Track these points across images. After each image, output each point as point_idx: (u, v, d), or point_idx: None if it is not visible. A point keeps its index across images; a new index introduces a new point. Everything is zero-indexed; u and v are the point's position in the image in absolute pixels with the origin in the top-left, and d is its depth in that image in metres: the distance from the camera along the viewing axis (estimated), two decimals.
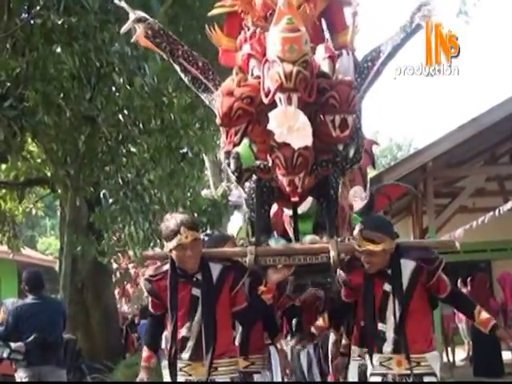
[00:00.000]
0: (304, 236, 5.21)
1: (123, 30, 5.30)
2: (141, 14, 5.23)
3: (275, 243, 4.95)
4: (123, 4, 5.30)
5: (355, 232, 4.68)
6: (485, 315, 4.72)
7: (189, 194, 13.32)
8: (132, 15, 5.18)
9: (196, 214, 13.29)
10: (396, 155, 44.30)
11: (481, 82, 70.66)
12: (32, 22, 7.95)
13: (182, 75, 5.23)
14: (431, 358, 4.65)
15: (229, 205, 13.86)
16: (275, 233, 5.45)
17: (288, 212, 5.68)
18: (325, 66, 4.82)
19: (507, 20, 65.95)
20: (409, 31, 5.03)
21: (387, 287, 4.59)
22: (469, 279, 13.31)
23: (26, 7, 7.80)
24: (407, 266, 4.60)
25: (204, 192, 18.76)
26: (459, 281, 14.85)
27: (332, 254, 4.63)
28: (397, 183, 9.08)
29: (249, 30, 5.15)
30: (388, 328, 4.59)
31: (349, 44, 5.19)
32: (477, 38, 51.76)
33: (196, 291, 4.48)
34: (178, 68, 5.21)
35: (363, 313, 4.80)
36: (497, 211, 11.87)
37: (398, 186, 8.14)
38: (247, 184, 5.06)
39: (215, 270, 4.52)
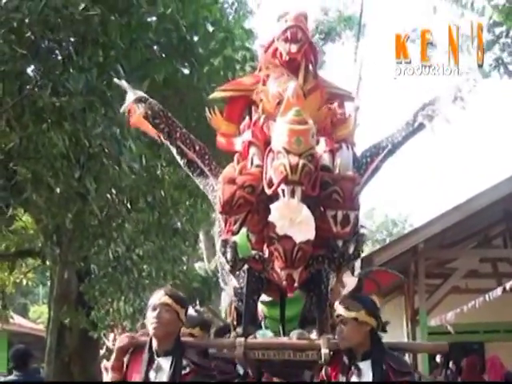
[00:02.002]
0: (287, 322, 5.14)
1: (123, 109, 5.25)
2: (141, 93, 5.21)
3: (262, 336, 4.87)
4: (123, 83, 5.32)
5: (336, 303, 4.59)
6: None
7: (180, 269, 13.30)
8: (131, 94, 5.15)
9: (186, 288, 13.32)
10: (392, 231, 44.28)
11: (476, 163, 71.23)
12: (24, 100, 8.00)
13: (178, 158, 5.17)
14: None
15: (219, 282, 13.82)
16: (262, 324, 5.37)
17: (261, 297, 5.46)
18: (325, 159, 4.77)
19: (501, 104, 66.25)
20: (411, 129, 5.00)
21: (355, 379, 4.39)
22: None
23: (17, 87, 7.85)
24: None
25: (197, 265, 18.77)
26: (451, 363, 14.73)
27: (324, 351, 4.51)
28: (385, 269, 8.99)
29: (252, 117, 5.11)
30: None
31: (348, 138, 5.14)
32: (474, 121, 52.59)
33: (152, 375, 4.29)
34: (174, 150, 5.15)
35: None
36: (487, 296, 11.86)
37: (387, 273, 8.04)
38: (237, 273, 4.96)
39: (184, 365, 4.36)
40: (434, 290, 14.51)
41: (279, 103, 4.86)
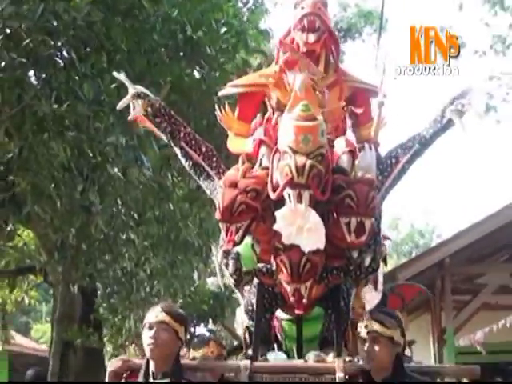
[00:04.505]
0: (308, 343, 4.96)
1: (120, 105, 5.05)
2: (141, 88, 5.02)
3: (274, 358, 4.69)
4: (122, 77, 5.13)
5: (362, 319, 4.28)
6: None
7: (190, 285, 13.34)
8: (131, 90, 4.97)
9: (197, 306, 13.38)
10: (418, 243, 43.87)
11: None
12: (24, 109, 8.06)
13: (183, 160, 4.96)
14: None
15: (233, 297, 13.84)
16: (276, 346, 5.15)
17: (280, 315, 5.18)
18: (343, 161, 4.63)
19: None
20: (439, 126, 4.84)
21: None
22: None
23: (16, 96, 7.92)
24: None
25: (210, 280, 18.78)
26: None
27: (339, 375, 4.29)
28: (411, 283, 9.01)
29: (266, 112, 5.01)
30: None
31: (372, 138, 4.95)
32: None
33: None
34: (178, 152, 4.96)
35: None
36: None
37: (413, 287, 8.03)
38: (246, 288, 4.81)
39: None
40: (462, 307, 14.38)
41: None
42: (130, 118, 5.09)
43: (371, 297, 5.14)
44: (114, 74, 5.36)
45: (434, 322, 14.20)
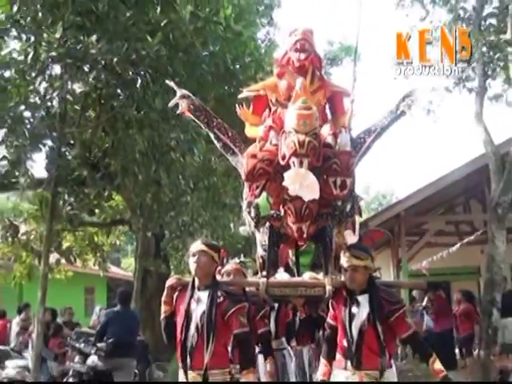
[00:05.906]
0: (303, 267, 5.03)
1: (171, 103, 5.01)
2: (185, 92, 4.99)
3: (281, 277, 4.76)
4: (171, 84, 5.09)
5: (343, 253, 4.31)
6: (438, 366, 4.01)
7: (228, 232, 13.45)
8: (179, 92, 4.95)
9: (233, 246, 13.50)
10: (382, 202, 43.68)
11: (446, 148, 70.09)
12: (115, 115, 8.21)
13: (215, 142, 4.92)
14: (388, 373, 4.23)
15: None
16: (281, 268, 5.15)
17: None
18: (329, 140, 4.63)
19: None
20: (394, 116, 4.79)
21: (355, 310, 4.17)
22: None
23: (110, 106, 8.06)
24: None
25: (242, 228, 18.85)
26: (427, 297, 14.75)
27: (328, 288, 4.37)
28: (378, 229, 9.12)
29: (272, 107, 4.93)
30: (351, 346, 4.13)
31: (347, 125, 4.95)
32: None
33: (194, 305, 4.11)
34: (212, 136, 4.91)
35: (340, 330, 4.26)
36: (450, 249, 11.93)
37: (379, 231, 8.11)
38: (261, 229, 4.78)
39: (219, 295, 4.14)
40: (412, 244, 14.51)
41: (289, 98, 4.66)
42: (178, 111, 5.01)
43: (351, 238, 5.24)
44: (167, 81, 5.29)
45: (393, 255, 14.29)
